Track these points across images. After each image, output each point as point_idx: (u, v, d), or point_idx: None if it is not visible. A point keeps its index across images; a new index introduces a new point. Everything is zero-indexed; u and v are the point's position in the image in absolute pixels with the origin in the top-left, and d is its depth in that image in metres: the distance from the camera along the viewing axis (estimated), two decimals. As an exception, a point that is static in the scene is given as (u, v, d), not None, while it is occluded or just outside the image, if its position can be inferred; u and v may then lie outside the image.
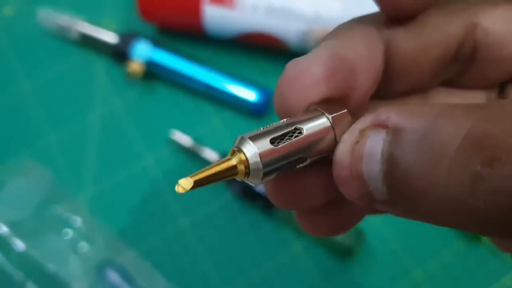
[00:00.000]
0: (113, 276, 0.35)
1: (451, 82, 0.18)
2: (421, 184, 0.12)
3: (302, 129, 0.14)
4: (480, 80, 0.18)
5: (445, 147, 0.11)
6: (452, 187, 0.11)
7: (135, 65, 0.40)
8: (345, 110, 0.15)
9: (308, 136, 0.14)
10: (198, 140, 0.39)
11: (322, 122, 0.14)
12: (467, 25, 0.16)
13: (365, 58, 0.15)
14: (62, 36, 0.44)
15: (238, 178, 0.14)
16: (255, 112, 0.40)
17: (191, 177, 0.13)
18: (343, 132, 0.14)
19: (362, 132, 0.13)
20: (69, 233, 0.37)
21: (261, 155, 0.13)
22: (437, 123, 0.12)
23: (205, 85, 0.40)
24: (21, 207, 0.37)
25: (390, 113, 0.13)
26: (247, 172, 0.14)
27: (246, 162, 0.13)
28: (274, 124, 0.14)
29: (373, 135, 0.13)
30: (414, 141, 0.12)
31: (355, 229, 0.35)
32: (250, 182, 0.14)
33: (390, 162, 0.12)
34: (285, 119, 0.14)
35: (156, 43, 0.41)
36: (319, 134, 0.14)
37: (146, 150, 0.40)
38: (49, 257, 0.35)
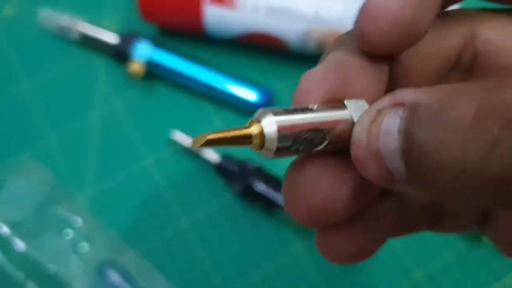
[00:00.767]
0: (114, 276, 0.35)
1: None
2: (439, 159, 0.12)
3: (320, 109, 0.15)
4: None
5: (461, 120, 0.11)
6: (469, 159, 0.11)
7: (136, 65, 0.40)
8: (363, 99, 0.15)
9: (326, 115, 0.15)
10: (199, 140, 0.39)
11: (340, 107, 0.15)
12: (466, 34, 0.17)
13: (372, 68, 0.16)
14: (62, 36, 0.44)
15: (252, 148, 0.14)
16: (256, 112, 0.40)
17: (207, 134, 0.13)
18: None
19: (379, 111, 0.14)
20: (70, 233, 0.37)
21: (278, 127, 0.14)
22: (452, 98, 0.12)
23: (205, 85, 0.40)
24: (22, 207, 0.37)
25: (407, 92, 0.13)
26: (262, 143, 0.14)
27: (262, 132, 0.14)
28: (293, 106, 0.15)
29: (390, 113, 0.13)
30: (431, 116, 0.12)
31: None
32: (264, 154, 0.14)
33: (407, 139, 0.13)
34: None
35: (157, 43, 0.41)
36: (338, 116, 0.15)
37: (147, 150, 0.40)
38: (50, 257, 0.35)
